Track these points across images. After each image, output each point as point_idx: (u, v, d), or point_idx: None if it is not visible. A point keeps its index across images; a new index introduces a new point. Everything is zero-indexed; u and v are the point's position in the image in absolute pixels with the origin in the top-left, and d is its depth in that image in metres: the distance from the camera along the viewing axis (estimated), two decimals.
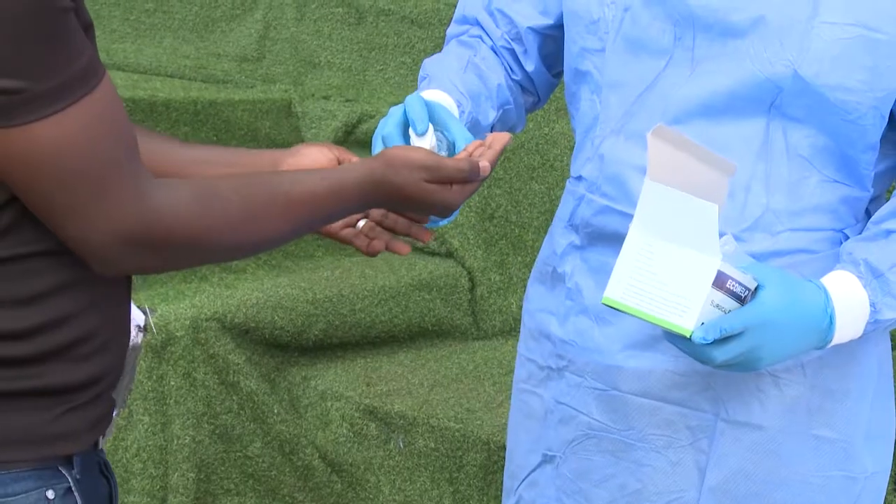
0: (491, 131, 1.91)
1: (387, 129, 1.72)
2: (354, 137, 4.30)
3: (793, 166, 1.74)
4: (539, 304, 1.96)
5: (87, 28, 1.41)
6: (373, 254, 1.71)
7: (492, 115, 1.89)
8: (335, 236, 1.73)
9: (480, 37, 1.96)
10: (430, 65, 1.92)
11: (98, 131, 1.39)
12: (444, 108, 1.75)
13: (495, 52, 1.95)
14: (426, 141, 1.68)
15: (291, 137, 4.33)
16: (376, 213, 1.72)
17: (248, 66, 4.60)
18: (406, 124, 1.72)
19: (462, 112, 1.83)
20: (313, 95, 4.41)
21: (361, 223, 1.73)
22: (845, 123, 1.71)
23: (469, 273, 3.87)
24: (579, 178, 1.86)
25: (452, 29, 2.00)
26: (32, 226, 1.43)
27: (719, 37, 1.72)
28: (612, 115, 1.80)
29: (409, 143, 1.69)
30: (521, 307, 3.83)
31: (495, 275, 3.90)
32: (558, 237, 1.91)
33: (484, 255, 3.90)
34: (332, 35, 4.51)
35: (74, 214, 1.39)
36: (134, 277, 1.64)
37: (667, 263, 1.61)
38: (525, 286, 3.77)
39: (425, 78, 1.89)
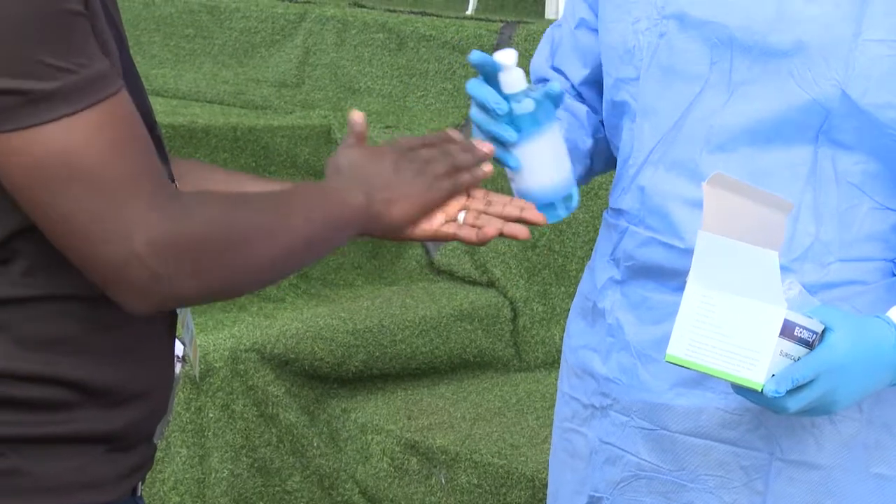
0: (591, 161, 1.91)
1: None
2: None
3: (842, 194, 1.70)
4: (581, 341, 1.92)
5: (114, 40, 1.35)
6: (483, 242, 1.62)
7: (588, 142, 1.89)
8: (435, 236, 1.63)
9: None
10: None
11: (99, 146, 1.30)
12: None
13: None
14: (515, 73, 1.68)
15: None
16: (479, 201, 1.65)
17: (288, 92, 4.60)
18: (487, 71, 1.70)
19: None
20: None
21: (462, 214, 1.64)
22: None
23: (511, 303, 3.84)
24: (619, 211, 1.83)
25: None
26: (63, 267, 1.35)
27: (760, 58, 1.68)
28: (646, 144, 1.77)
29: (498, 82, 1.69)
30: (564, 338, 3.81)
31: (538, 305, 3.87)
32: (599, 271, 1.88)
33: (526, 285, 3.87)
34: (373, 61, 4.51)
35: (90, 231, 1.31)
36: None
37: (729, 316, 1.57)
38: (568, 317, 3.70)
39: None
